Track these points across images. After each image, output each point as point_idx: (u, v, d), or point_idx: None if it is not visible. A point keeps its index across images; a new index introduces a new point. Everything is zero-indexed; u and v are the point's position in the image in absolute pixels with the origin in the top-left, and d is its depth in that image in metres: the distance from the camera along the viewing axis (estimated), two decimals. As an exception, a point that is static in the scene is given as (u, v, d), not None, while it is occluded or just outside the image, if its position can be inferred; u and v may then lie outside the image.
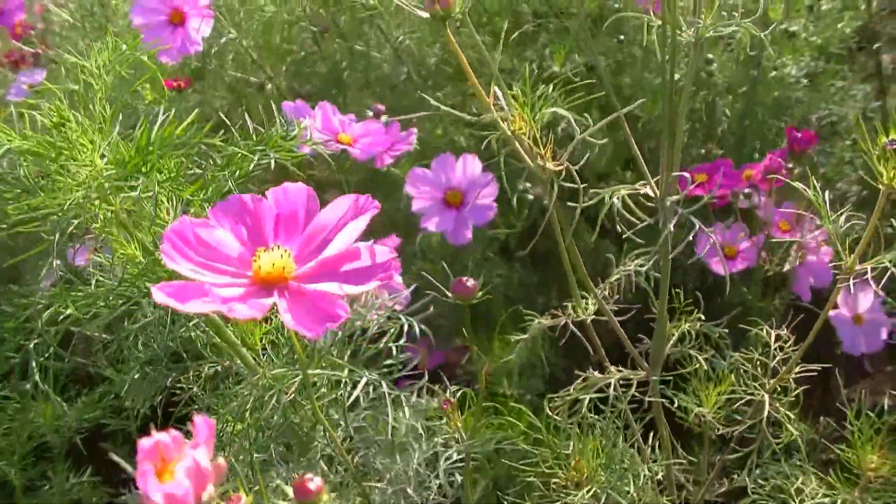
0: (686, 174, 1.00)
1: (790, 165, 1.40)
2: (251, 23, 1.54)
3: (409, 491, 1.08)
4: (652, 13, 1.03)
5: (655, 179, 1.01)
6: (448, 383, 1.08)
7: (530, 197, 1.49)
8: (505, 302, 1.51)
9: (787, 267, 1.41)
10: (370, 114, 1.29)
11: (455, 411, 0.99)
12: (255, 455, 1.04)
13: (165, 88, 1.37)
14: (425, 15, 0.87)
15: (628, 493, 1.01)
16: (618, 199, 0.99)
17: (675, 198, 1.01)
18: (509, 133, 0.89)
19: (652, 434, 1.15)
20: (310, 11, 1.55)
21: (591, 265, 1.17)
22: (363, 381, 0.91)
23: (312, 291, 0.65)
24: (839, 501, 0.99)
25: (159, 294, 0.62)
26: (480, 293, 0.97)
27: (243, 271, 0.67)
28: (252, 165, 0.97)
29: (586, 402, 1.05)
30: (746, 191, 1.41)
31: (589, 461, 0.98)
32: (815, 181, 0.97)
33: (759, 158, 1.51)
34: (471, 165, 1.19)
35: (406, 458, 1.10)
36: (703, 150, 1.58)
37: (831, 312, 1.43)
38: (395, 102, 1.56)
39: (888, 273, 0.97)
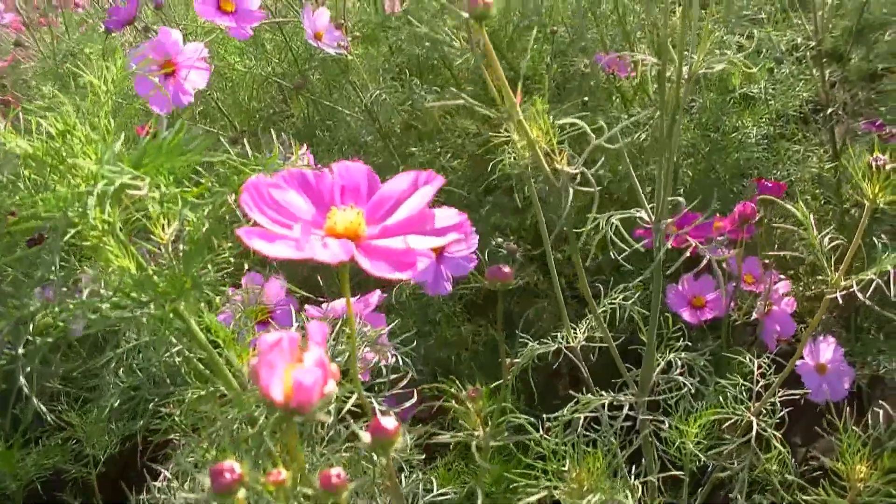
0: (681, 199, 1.04)
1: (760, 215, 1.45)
2: (221, 81, 1.57)
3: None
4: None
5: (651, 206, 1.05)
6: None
7: (503, 251, 1.52)
8: (471, 357, 1.53)
9: (754, 316, 1.46)
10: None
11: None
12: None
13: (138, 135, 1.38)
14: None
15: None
16: (613, 222, 1.04)
17: (669, 220, 1.05)
18: (532, 137, 0.93)
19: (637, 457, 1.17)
20: (281, 69, 1.59)
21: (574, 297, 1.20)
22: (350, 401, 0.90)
23: (387, 247, 0.67)
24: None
25: (248, 235, 0.63)
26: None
27: (316, 231, 0.69)
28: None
29: (581, 420, 1.07)
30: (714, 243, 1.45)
31: (590, 471, 0.99)
32: (802, 205, 1.02)
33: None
34: (451, 218, 1.21)
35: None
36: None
37: (797, 362, 1.48)
38: (365, 160, 1.59)
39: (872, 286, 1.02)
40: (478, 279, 1.54)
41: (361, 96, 1.53)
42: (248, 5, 1.37)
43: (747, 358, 1.15)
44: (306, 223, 0.68)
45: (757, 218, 1.40)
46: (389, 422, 0.68)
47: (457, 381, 1.43)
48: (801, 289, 1.66)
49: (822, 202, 1.63)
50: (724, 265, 1.49)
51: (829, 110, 1.60)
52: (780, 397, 1.13)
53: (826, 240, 1.06)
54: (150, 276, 0.90)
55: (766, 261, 1.48)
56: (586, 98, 1.60)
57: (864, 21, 1.59)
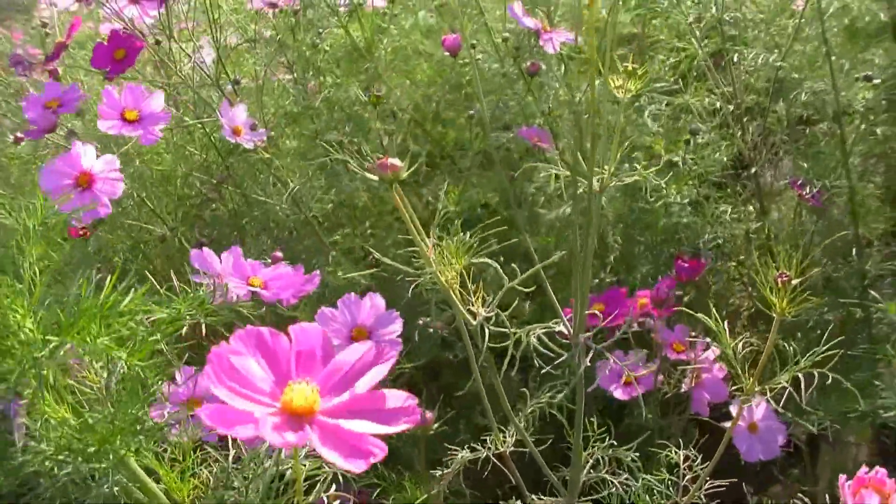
0: (597, 312, 1.10)
1: (679, 293, 1.52)
2: (148, 174, 1.61)
3: None
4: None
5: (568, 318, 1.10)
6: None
7: (431, 331, 1.57)
8: (412, 441, 1.57)
9: (683, 388, 1.52)
10: (269, 261, 1.36)
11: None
12: None
13: (69, 235, 1.42)
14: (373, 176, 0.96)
15: None
16: (534, 336, 1.09)
17: (587, 335, 1.11)
18: (445, 284, 0.97)
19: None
20: (205, 163, 1.63)
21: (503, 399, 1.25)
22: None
23: (342, 428, 0.69)
24: None
25: (208, 418, 0.67)
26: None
27: (272, 402, 0.71)
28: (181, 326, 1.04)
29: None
30: (641, 319, 1.52)
31: None
32: (715, 313, 1.08)
33: (651, 283, 1.62)
34: (376, 304, 1.25)
35: None
36: (596, 280, 1.69)
37: (726, 423, 1.55)
38: (292, 246, 1.63)
39: (787, 392, 1.08)
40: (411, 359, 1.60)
41: (284, 188, 1.57)
42: (152, 109, 1.41)
43: (673, 451, 1.20)
44: (261, 399, 0.71)
45: (670, 300, 1.46)
46: None
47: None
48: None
49: (753, 263, 1.69)
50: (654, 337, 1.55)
51: (753, 169, 1.66)
52: (707, 490, 1.18)
53: (740, 346, 1.12)
54: (87, 422, 0.94)
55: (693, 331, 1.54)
56: (513, 172, 1.65)
57: (780, 77, 1.66)
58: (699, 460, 1.22)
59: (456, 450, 1.18)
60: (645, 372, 1.53)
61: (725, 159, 1.61)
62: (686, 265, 1.53)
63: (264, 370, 0.73)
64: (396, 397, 0.71)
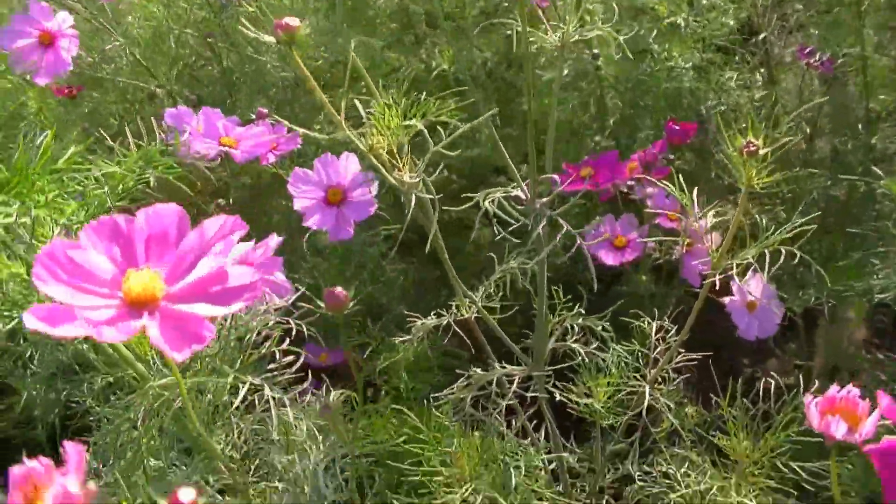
0: (556, 176, 1.07)
1: (671, 157, 1.48)
2: (141, 31, 1.59)
3: (306, 489, 1.14)
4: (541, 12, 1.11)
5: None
6: (332, 388, 1.13)
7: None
8: (403, 297, 1.58)
9: (674, 255, 1.50)
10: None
11: (335, 418, 1.04)
12: (154, 461, 1.09)
13: (54, 96, 1.42)
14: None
15: (514, 486, 1.08)
16: (491, 202, 1.07)
17: (543, 200, 1.08)
18: (364, 149, 0.95)
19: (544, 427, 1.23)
20: (197, 18, 1.60)
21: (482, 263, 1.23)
22: (245, 386, 0.96)
23: (181, 312, 0.68)
24: (715, 487, 1.07)
25: (31, 319, 0.65)
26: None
27: (115, 293, 0.69)
28: (132, 182, 1.03)
29: (468, 400, 1.12)
30: (630, 183, 1.49)
31: (470, 458, 1.05)
32: (681, 180, 1.05)
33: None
34: (352, 164, 1.23)
35: (304, 458, 1.16)
36: (592, 143, 1.66)
37: (726, 299, 1.53)
38: (287, 105, 1.62)
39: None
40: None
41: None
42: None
43: (646, 322, 1.19)
44: (103, 292, 0.69)
45: (660, 162, 1.43)
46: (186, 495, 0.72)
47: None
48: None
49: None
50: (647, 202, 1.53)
51: (762, 35, 1.61)
52: (676, 363, 1.17)
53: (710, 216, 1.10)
54: None
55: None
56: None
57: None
58: (674, 331, 1.20)
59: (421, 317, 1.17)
60: (635, 235, 1.51)
61: (733, 23, 1.55)
62: (677, 128, 1.49)
63: (114, 260, 0.71)
64: (240, 274, 0.69)
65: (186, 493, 0.74)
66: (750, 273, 1.55)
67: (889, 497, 0.67)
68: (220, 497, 1.16)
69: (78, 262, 0.71)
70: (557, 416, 1.25)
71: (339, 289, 0.93)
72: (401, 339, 1.17)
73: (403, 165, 0.95)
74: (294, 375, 1.06)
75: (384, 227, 1.51)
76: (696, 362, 1.21)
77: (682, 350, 1.18)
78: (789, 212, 1.64)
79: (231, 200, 1.51)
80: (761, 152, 1.00)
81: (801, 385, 1.02)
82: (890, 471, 0.67)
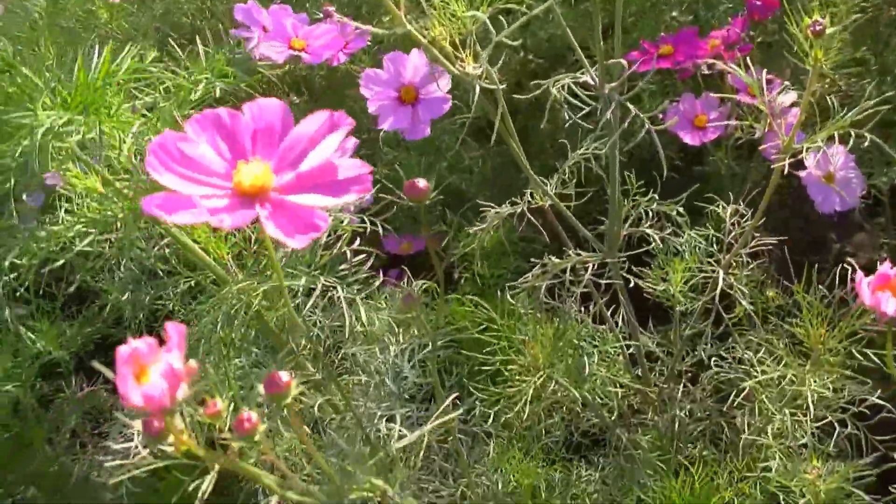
0: (623, 61, 1.06)
1: (752, 33, 1.44)
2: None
3: (388, 381, 1.16)
4: None
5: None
6: (413, 278, 1.15)
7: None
8: (482, 183, 1.58)
9: (756, 133, 1.47)
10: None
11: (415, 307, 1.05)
12: (238, 361, 1.13)
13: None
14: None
15: (588, 374, 1.10)
16: (561, 88, 1.07)
17: (612, 84, 1.07)
18: (425, 42, 0.95)
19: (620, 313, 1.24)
20: None
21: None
22: (318, 286, 0.98)
23: (293, 203, 0.70)
24: (789, 375, 1.07)
25: (149, 206, 0.67)
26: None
27: (225, 184, 0.71)
28: (199, 93, 1.05)
29: (542, 288, 1.13)
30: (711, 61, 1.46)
31: (543, 347, 1.06)
32: (748, 61, 1.03)
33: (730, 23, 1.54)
34: (422, 60, 1.22)
35: (384, 351, 1.18)
36: (669, 18, 1.63)
37: (802, 173, 1.50)
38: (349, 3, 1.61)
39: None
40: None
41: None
42: None
43: (720, 206, 1.18)
44: (213, 183, 0.71)
45: (743, 40, 1.40)
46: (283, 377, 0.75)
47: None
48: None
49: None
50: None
51: None
52: (751, 248, 1.16)
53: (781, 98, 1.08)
54: (118, 189, 0.98)
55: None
56: None
57: None
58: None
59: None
60: (716, 114, 1.48)
61: None
62: (759, 3, 1.45)
63: (221, 153, 0.73)
64: (349, 167, 0.71)
65: (283, 375, 0.77)
66: (828, 145, 1.53)
67: None
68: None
69: (188, 153, 0.72)
70: (634, 303, 1.26)
71: (420, 180, 0.93)
72: (475, 227, 1.18)
73: (467, 56, 0.95)
74: (369, 271, 1.08)
75: (461, 116, 1.51)
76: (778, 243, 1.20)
77: (757, 234, 1.17)
78: (878, 86, 1.60)
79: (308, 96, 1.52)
80: (828, 31, 0.97)
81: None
82: None
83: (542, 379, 1.04)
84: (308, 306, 1.09)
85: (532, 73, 1.68)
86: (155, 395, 0.64)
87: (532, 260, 1.18)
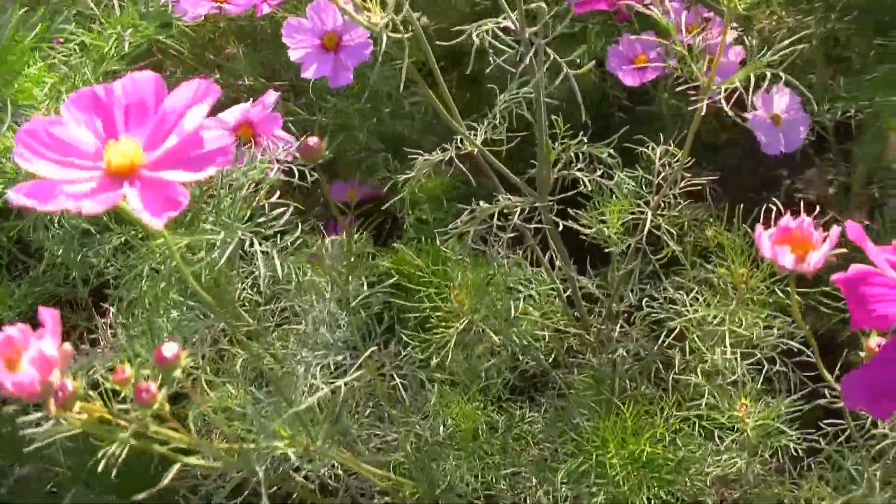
0: (544, 4, 1.06)
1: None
2: None
3: (323, 330, 1.18)
4: None
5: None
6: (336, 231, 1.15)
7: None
8: (424, 129, 1.58)
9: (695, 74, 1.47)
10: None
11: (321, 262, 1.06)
12: (175, 314, 1.14)
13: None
14: None
15: (515, 318, 1.11)
16: (482, 34, 1.07)
17: (532, 29, 1.07)
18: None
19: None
20: None
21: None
22: (234, 240, 0.98)
23: (159, 179, 0.71)
24: (711, 314, 1.08)
25: (17, 196, 0.67)
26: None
27: (98, 164, 0.72)
28: (114, 50, 1.05)
29: (471, 233, 1.14)
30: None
31: (468, 292, 1.07)
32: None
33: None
34: (218, 141, 1.21)
35: (321, 301, 1.20)
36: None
37: (748, 114, 1.50)
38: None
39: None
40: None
41: None
42: None
43: (649, 147, 1.18)
44: (87, 165, 0.72)
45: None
46: (170, 349, 0.77)
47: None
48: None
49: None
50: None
51: None
52: (680, 189, 1.17)
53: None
54: None
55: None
56: None
57: None
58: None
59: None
60: (655, 53, 1.48)
61: None
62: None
63: (97, 132, 0.73)
64: (213, 139, 0.71)
65: (171, 347, 0.79)
66: (774, 86, 1.53)
67: (855, 324, 0.68)
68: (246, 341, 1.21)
69: (59, 136, 0.73)
70: (575, 246, 1.27)
71: (312, 138, 0.94)
72: (405, 175, 1.18)
73: (374, 5, 0.94)
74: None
75: (398, 63, 1.50)
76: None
77: (688, 175, 1.18)
78: (824, 21, 1.60)
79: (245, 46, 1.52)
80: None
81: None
82: (855, 298, 0.67)
83: (463, 324, 1.05)
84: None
85: (477, 16, 1.67)
86: (24, 382, 0.65)
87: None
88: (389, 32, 0.95)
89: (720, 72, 1.47)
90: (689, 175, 1.18)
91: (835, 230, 0.76)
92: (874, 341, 0.86)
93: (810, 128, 1.51)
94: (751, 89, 1.07)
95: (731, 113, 1.10)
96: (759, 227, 0.80)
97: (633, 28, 1.53)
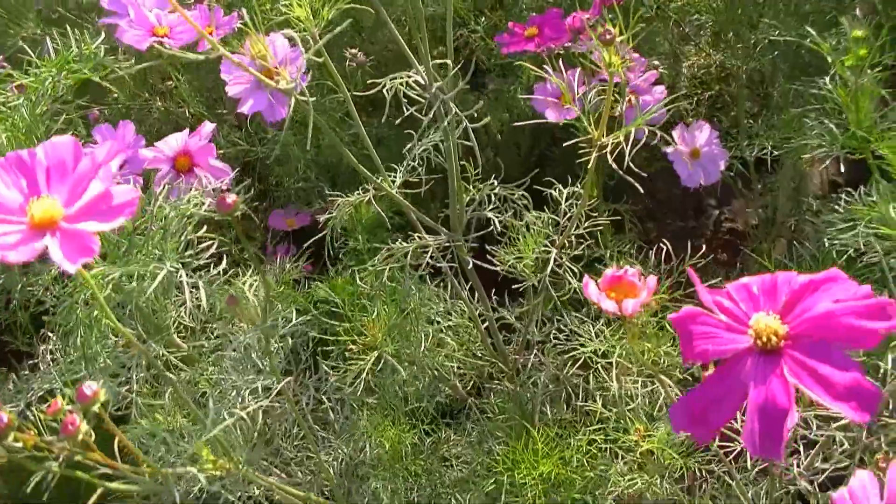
0: (450, 61, 1.16)
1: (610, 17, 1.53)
2: None
3: (254, 357, 1.27)
4: None
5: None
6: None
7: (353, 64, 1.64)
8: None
9: (618, 110, 1.57)
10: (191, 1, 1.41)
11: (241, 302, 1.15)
12: (113, 339, 1.23)
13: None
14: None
15: (425, 350, 1.21)
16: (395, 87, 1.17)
17: (438, 84, 1.18)
18: (238, 62, 1.05)
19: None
20: None
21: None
22: (162, 273, 1.08)
23: (75, 231, 0.82)
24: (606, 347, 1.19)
25: None
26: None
27: (23, 219, 0.83)
28: (50, 89, 1.15)
29: (386, 272, 1.24)
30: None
31: (382, 326, 1.17)
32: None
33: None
34: (280, 44, 1.25)
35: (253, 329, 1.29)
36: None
37: (668, 149, 1.61)
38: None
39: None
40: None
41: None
42: None
43: (557, 189, 1.28)
44: (13, 220, 0.83)
45: (583, 28, 1.49)
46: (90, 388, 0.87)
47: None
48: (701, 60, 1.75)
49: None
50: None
51: None
52: (585, 229, 1.27)
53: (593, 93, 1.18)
54: None
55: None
56: None
57: None
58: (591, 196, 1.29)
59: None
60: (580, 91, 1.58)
61: None
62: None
63: (21, 190, 0.85)
64: (121, 193, 0.82)
65: (91, 386, 0.90)
66: (694, 122, 1.63)
67: (684, 358, 0.77)
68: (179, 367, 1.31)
69: None
70: (492, 281, 1.36)
71: (228, 195, 1.02)
72: (326, 216, 1.28)
73: (282, 72, 1.04)
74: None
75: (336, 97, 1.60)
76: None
77: (594, 215, 1.28)
78: (746, 60, 1.70)
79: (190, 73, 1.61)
80: (617, 40, 1.07)
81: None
82: (684, 335, 0.77)
83: (373, 358, 1.15)
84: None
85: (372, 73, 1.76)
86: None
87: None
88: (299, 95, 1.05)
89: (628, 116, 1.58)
90: (594, 214, 1.28)
91: (651, 279, 0.89)
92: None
93: (738, 159, 1.61)
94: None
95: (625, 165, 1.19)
96: (586, 277, 0.91)
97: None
